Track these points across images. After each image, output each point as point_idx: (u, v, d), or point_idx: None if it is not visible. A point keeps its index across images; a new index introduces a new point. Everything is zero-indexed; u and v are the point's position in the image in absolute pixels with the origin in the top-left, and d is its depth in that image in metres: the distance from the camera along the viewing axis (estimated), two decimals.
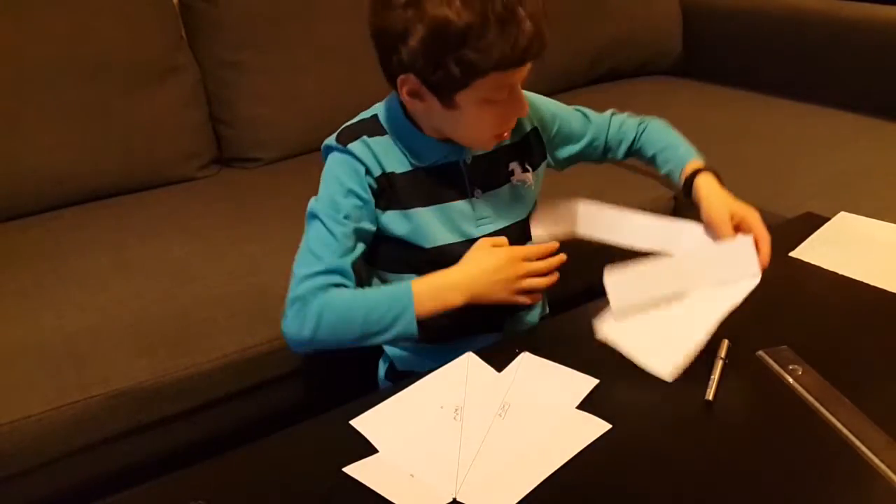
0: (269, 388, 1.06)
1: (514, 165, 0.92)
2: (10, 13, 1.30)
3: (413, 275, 0.89)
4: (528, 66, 0.80)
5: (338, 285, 0.81)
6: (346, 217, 0.83)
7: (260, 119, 1.51)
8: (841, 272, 0.92)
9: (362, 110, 0.91)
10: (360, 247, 0.85)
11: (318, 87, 1.53)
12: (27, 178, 1.32)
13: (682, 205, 1.14)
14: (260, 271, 1.12)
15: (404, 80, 0.79)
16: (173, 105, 1.44)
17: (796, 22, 1.72)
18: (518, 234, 0.93)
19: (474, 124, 0.83)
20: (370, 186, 0.84)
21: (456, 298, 0.82)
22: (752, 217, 0.87)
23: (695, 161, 0.96)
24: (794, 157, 1.38)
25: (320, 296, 0.80)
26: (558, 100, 1.01)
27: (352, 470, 0.66)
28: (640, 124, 1.03)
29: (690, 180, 0.93)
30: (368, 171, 0.84)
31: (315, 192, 1.15)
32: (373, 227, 0.86)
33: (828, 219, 1.04)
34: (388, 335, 0.81)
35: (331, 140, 0.87)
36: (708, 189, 0.91)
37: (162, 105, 1.42)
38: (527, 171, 0.94)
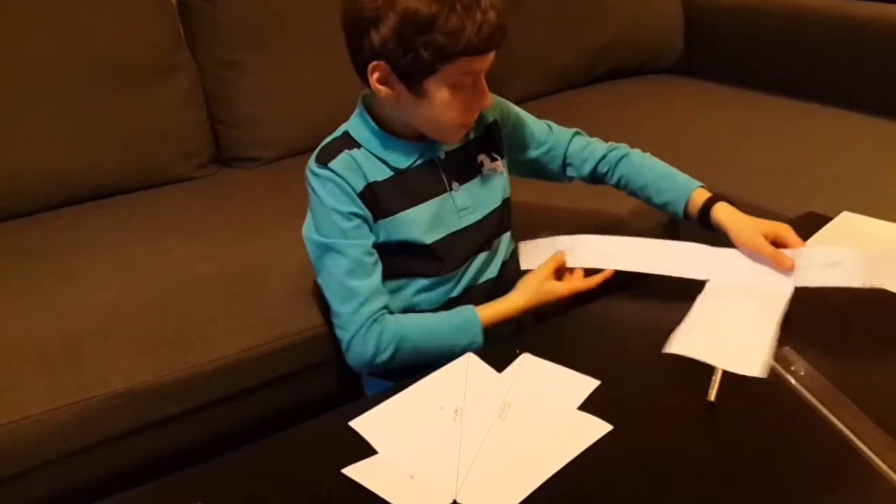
0: (269, 388, 1.06)
1: (482, 157, 0.97)
2: (9, 12, 1.30)
3: (417, 279, 0.92)
4: (491, 57, 0.84)
5: (384, 307, 0.87)
6: (357, 238, 0.87)
7: (259, 118, 1.51)
8: None
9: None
10: (378, 258, 0.89)
11: (317, 87, 1.52)
12: (26, 177, 1.31)
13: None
14: (260, 271, 1.12)
15: (375, 67, 0.83)
16: (172, 104, 1.43)
17: (798, 21, 1.71)
18: (498, 219, 0.97)
19: (440, 112, 0.85)
20: (361, 200, 0.87)
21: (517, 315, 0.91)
22: (785, 231, 0.90)
23: (702, 189, 0.97)
24: (797, 157, 1.38)
25: (384, 324, 0.86)
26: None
27: (351, 471, 0.66)
28: (613, 150, 1.03)
29: (707, 209, 0.94)
30: (352, 187, 0.87)
31: None
32: (375, 239, 0.89)
33: (830, 218, 1.04)
34: (457, 356, 0.85)
35: (311, 163, 0.90)
36: (730, 216, 0.92)
37: (161, 104, 1.42)
38: (495, 159, 0.98)
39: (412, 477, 0.65)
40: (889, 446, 0.65)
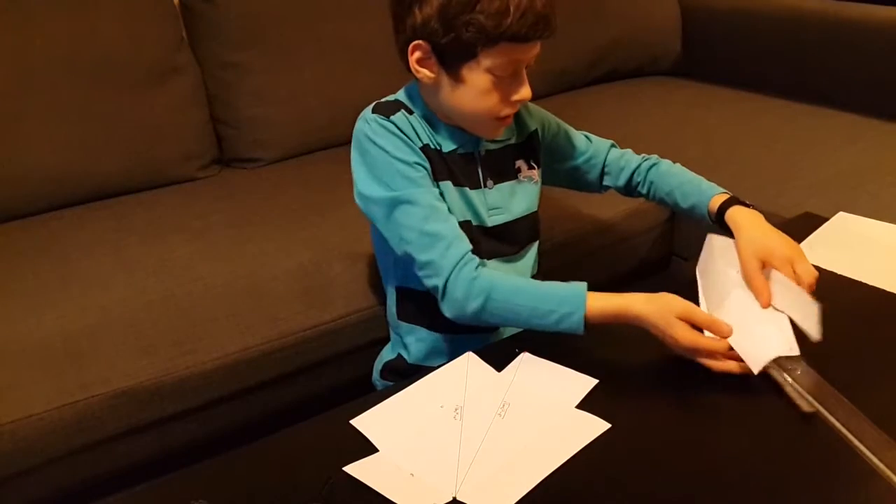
0: (269, 388, 1.07)
1: (520, 163, 0.96)
2: (12, 14, 1.30)
3: None
4: (535, 50, 0.83)
5: (469, 251, 0.82)
6: (425, 186, 0.85)
7: (260, 119, 1.51)
8: (840, 272, 0.92)
9: (363, 110, 0.92)
10: (447, 205, 0.86)
11: (319, 88, 1.53)
12: (28, 177, 1.32)
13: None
14: (260, 271, 1.12)
15: (415, 47, 0.82)
16: (174, 105, 1.44)
17: (796, 22, 1.72)
18: (526, 225, 0.96)
19: (478, 100, 0.84)
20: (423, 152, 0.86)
21: (628, 318, 0.78)
22: (780, 263, 0.82)
23: (723, 193, 0.95)
24: (793, 158, 1.38)
25: (477, 271, 0.81)
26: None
27: (352, 469, 0.66)
28: (645, 159, 1.03)
29: (723, 211, 0.91)
30: (413, 142, 0.86)
31: (316, 191, 1.15)
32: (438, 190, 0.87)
33: (826, 219, 1.04)
34: (552, 329, 0.80)
35: (367, 113, 0.88)
36: (741, 223, 0.88)
37: (163, 105, 1.42)
38: (532, 168, 0.97)
39: (412, 475, 0.66)
40: (886, 445, 0.65)
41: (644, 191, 1.03)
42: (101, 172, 1.37)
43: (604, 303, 0.78)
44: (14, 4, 1.31)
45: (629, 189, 1.05)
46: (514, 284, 0.82)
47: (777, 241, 0.86)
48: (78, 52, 1.34)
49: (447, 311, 0.83)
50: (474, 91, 0.83)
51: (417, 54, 0.83)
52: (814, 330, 0.77)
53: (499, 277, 0.82)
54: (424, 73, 0.84)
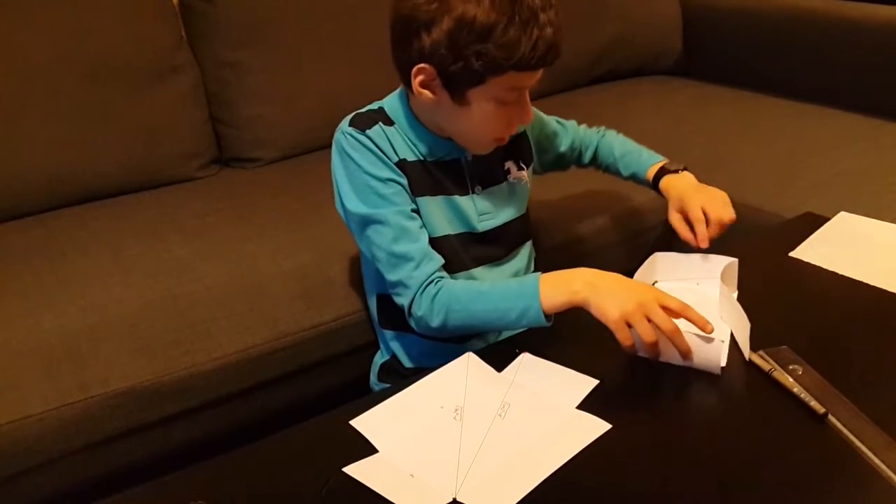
0: (269, 388, 1.06)
1: (509, 164, 0.96)
2: (10, 12, 1.30)
3: None
4: (540, 74, 0.84)
5: (437, 270, 0.84)
6: (397, 204, 0.85)
7: (260, 119, 1.51)
8: (841, 272, 0.92)
9: (342, 120, 0.91)
10: (422, 223, 0.87)
11: (318, 87, 1.53)
12: (27, 177, 1.31)
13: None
14: (260, 271, 1.12)
15: (420, 70, 0.81)
16: (173, 105, 1.44)
17: (797, 22, 1.72)
18: (517, 227, 0.96)
19: (481, 124, 0.85)
20: (398, 168, 0.86)
21: (580, 293, 0.76)
22: (691, 204, 0.93)
23: (658, 162, 1.04)
24: (795, 157, 1.38)
25: (439, 286, 0.83)
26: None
27: (352, 470, 0.66)
28: (597, 132, 1.11)
29: (657, 181, 1.02)
30: (388, 157, 0.86)
31: (315, 191, 1.14)
32: (415, 205, 0.87)
33: (828, 219, 1.04)
34: (516, 326, 0.81)
35: (344, 125, 0.88)
36: (670, 189, 0.99)
37: (162, 105, 1.42)
38: (521, 168, 0.97)
39: (412, 475, 0.66)
40: (887, 445, 0.65)
41: (595, 162, 1.11)
42: (100, 172, 1.37)
43: (553, 279, 0.79)
44: (13, 3, 1.31)
45: (592, 163, 1.11)
46: (474, 291, 0.83)
47: (694, 190, 0.96)
48: (77, 51, 1.34)
49: (415, 327, 0.86)
50: (478, 115, 0.83)
51: (421, 77, 0.82)
52: (745, 348, 0.78)
53: (459, 288, 0.83)
54: (426, 94, 0.83)
